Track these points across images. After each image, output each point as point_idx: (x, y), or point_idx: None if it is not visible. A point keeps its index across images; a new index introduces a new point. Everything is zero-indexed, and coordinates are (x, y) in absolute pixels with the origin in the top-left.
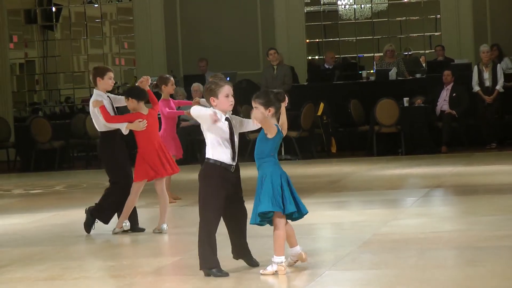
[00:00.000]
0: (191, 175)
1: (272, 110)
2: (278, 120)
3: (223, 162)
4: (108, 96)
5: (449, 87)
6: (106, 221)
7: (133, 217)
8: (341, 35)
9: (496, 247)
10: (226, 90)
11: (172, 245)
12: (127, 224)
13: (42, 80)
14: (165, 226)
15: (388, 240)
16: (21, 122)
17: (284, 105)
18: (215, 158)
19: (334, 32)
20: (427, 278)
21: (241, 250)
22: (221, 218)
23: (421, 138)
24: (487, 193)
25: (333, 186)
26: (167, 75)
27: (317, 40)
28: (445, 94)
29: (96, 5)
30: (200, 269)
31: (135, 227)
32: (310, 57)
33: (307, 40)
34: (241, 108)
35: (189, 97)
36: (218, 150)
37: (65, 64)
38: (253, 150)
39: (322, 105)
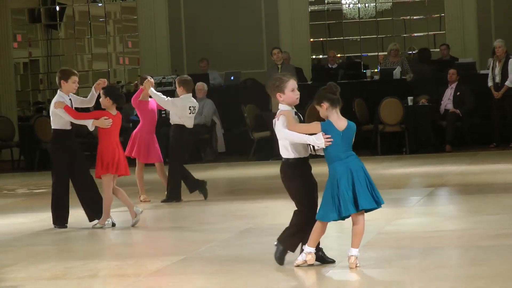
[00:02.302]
0: (194, 174)
1: (325, 104)
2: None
3: (302, 158)
4: (70, 99)
5: (454, 86)
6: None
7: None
8: (345, 34)
9: (501, 246)
10: (292, 84)
11: (175, 244)
12: (109, 222)
13: (46, 80)
14: (139, 208)
15: (392, 239)
16: (25, 121)
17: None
18: (293, 156)
19: (338, 31)
20: (431, 278)
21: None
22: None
23: (425, 137)
24: (492, 191)
25: None
26: (146, 76)
27: (321, 39)
28: (449, 93)
29: (100, 4)
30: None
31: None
32: (314, 56)
33: (311, 39)
34: (246, 107)
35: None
36: (295, 146)
37: (69, 63)
38: (257, 149)
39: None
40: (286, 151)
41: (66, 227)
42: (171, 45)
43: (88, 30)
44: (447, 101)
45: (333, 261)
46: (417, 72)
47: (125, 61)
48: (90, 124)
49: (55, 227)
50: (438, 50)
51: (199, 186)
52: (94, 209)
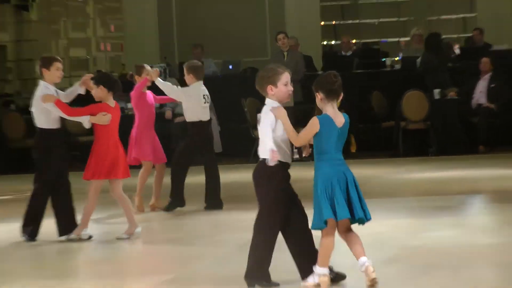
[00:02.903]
0: (188, 177)
1: (320, 95)
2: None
3: (285, 162)
4: (55, 90)
5: (487, 77)
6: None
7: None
8: (361, 17)
9: None
10: (286, 77)
11: (164, 260)
12: (86, 233)
13: (15, 68)
14: (139, 229)
15: (417, 255)
16: None
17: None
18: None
19: (353, 13)
20: None
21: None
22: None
23: (454, 136)
24: None
25: None
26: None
27: (333, 22)
28: (482, 85)
29: None
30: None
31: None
32: (325, 42)
33: (322, 23)
34: (246, 101)
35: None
36: (280, 148)
37: (42, 49)
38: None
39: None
40: (266, 149)
41: (35, 240)
42: (160, 29)
43: (65, 11)
44: (479, 95)
45: (344, 276)
46: (424, 61)
47: (106, 47)
48: (86, 121)
49: (26, 239)
50: (469, 35)
51: (176, 205)
52: (68, 226)
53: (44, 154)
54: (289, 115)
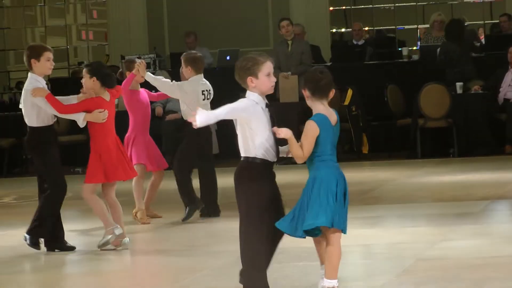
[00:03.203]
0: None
1: (306, 92)
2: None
3: (268, 160)
4: (47, 83)
5: None
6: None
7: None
8: (374, 1)
9: None
10: (268, 67)
11: (157, 273)
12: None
13: None
14: (127, 240)
15: (435, 267)
16: None
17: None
18: (260, 156)
19: None
20: None
21: None
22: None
23: (479, 134)
24: None
25: (364, 197)
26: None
27: (343, 7)
28: (510, 78)
29: None
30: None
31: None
32: (334, 30)
33: (331, 8)
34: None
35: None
36: (263, 144)
37: (16, 39)
38: None
39: (350, 92)
40: (250, 148)
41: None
42: (149, 15)
43: None
44: (507, 88)
45: None
46: (444, 51)
47: (88, 35)
48: (81, 119)
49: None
50: (496, 22)
51: (193, 211)
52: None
53: (44, 150)
54: (293, 111)
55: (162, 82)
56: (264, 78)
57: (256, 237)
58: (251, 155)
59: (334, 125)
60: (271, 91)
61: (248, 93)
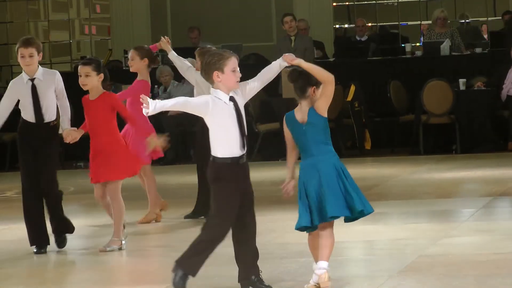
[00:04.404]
0: (182, 177)
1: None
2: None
3: (234, 157)
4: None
5: None
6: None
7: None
8: None
9: None
10: (234, 63)
11: (157, 268)
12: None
13: None
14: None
15: (438, 264)
16: None
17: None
18: (223, 155)
19: None
20: None
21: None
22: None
23: (481, 131)
24: None
25: (366, 193)
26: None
27: (347, 3)
28: None
29: None
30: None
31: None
32: (337, 26)
33: (334, 3)
34: None
35: (179, 76)
36: (227, 140)
37: (19, 33)
38: (262, 146)
39: (353, 88)
40: (214, 146)
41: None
42: (152, 9)
43: None
44: (510, 85)
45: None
46: None
47: (91, 30)
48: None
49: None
50: (500, 18)
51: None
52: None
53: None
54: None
55: (182, 62)
56: (230, 73)
57: (213, 237)
58: (217, 154)
59: (305, 124)
60: (237, 87)
61: (212, 90)
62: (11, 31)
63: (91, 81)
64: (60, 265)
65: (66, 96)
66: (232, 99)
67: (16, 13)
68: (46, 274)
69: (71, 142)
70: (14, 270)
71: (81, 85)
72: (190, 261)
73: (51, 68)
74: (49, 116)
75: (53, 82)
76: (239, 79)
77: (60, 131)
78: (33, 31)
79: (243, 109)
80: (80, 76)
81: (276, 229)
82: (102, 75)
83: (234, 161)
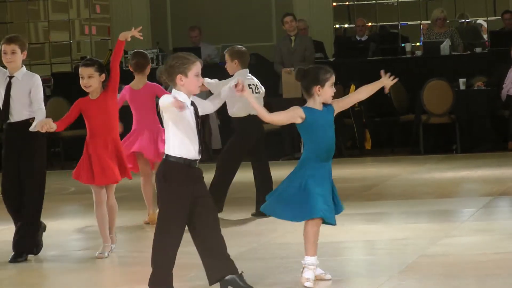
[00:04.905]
0: None
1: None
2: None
3: (187, 159)
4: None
5: None
6: None
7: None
8: None
9: None
10: (198, 67)
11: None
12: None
13: None
14: (114, 245)
15: (437, 264)
16: None
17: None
18: (177, 155)
19: None
20: None
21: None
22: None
23: (482, 130)
24: None
25: (367, 193)
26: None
27: (347, 3)
28: None
29: None
30: None
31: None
32: (337, 26)
33: (334, 3)
34: None
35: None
36: (182, 139)
37: (19, 33)
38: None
39: (353, 88)
40: (169, 146)
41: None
42: (152, 9)
43: None
44: (510, 85)
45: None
46: None
47: (91, 30)
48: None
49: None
50: (499, 18)
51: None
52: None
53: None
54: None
55: (212, 85)
56: (193, 78)
57: (165, 238)
58: (170, 153)
59: None
60: (197, 92)
61: (173, 91)
62: (11, 32)
63: (95, 82)
64: (60, 265)
65: (42, 101)
66: (193, 104)
67: (16, 14)
68: (46, 274)
69: (48, 131)
70: (15, 270)
71: (83, 87)
72: (155, 278)
73: (51, 68)
74: (15, 117)
75: (29, 85)
76: (201, 84)
77: (32, 128)
78: (33, 31)
79: (200, 119)
80: (83, 78)
81: (278, 228)
82: (104, 75)
83: (186, 163)
